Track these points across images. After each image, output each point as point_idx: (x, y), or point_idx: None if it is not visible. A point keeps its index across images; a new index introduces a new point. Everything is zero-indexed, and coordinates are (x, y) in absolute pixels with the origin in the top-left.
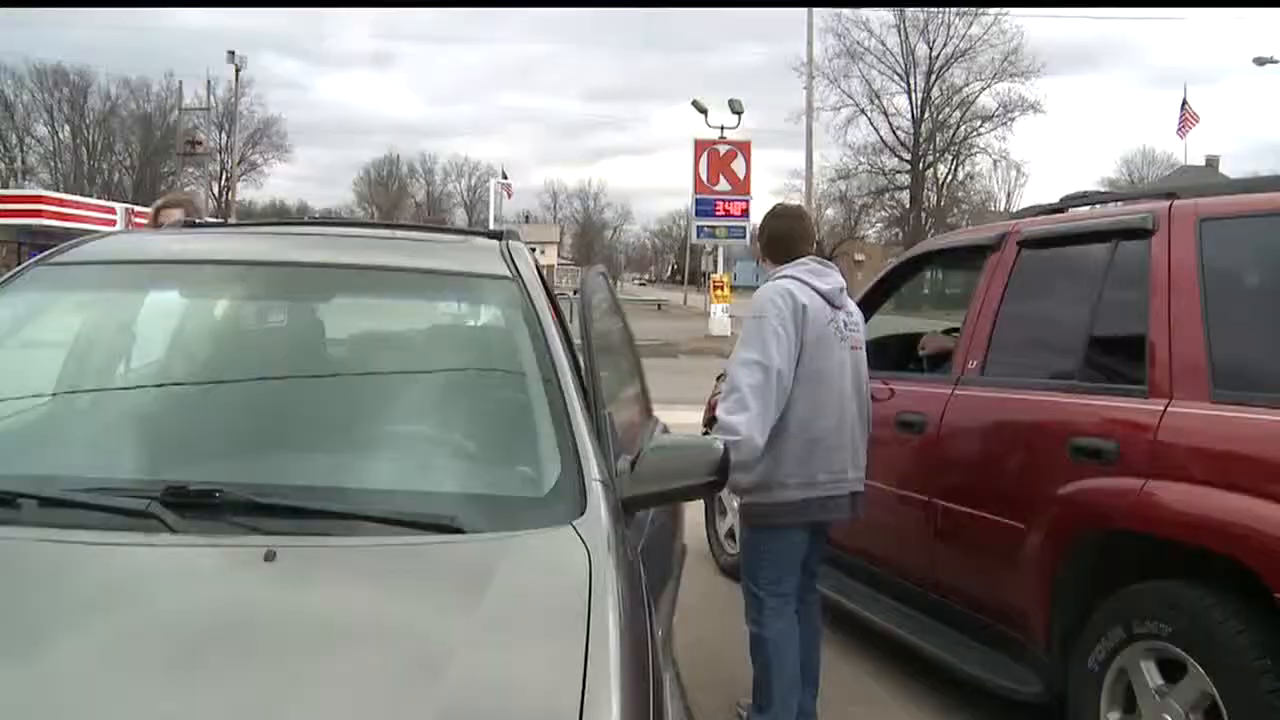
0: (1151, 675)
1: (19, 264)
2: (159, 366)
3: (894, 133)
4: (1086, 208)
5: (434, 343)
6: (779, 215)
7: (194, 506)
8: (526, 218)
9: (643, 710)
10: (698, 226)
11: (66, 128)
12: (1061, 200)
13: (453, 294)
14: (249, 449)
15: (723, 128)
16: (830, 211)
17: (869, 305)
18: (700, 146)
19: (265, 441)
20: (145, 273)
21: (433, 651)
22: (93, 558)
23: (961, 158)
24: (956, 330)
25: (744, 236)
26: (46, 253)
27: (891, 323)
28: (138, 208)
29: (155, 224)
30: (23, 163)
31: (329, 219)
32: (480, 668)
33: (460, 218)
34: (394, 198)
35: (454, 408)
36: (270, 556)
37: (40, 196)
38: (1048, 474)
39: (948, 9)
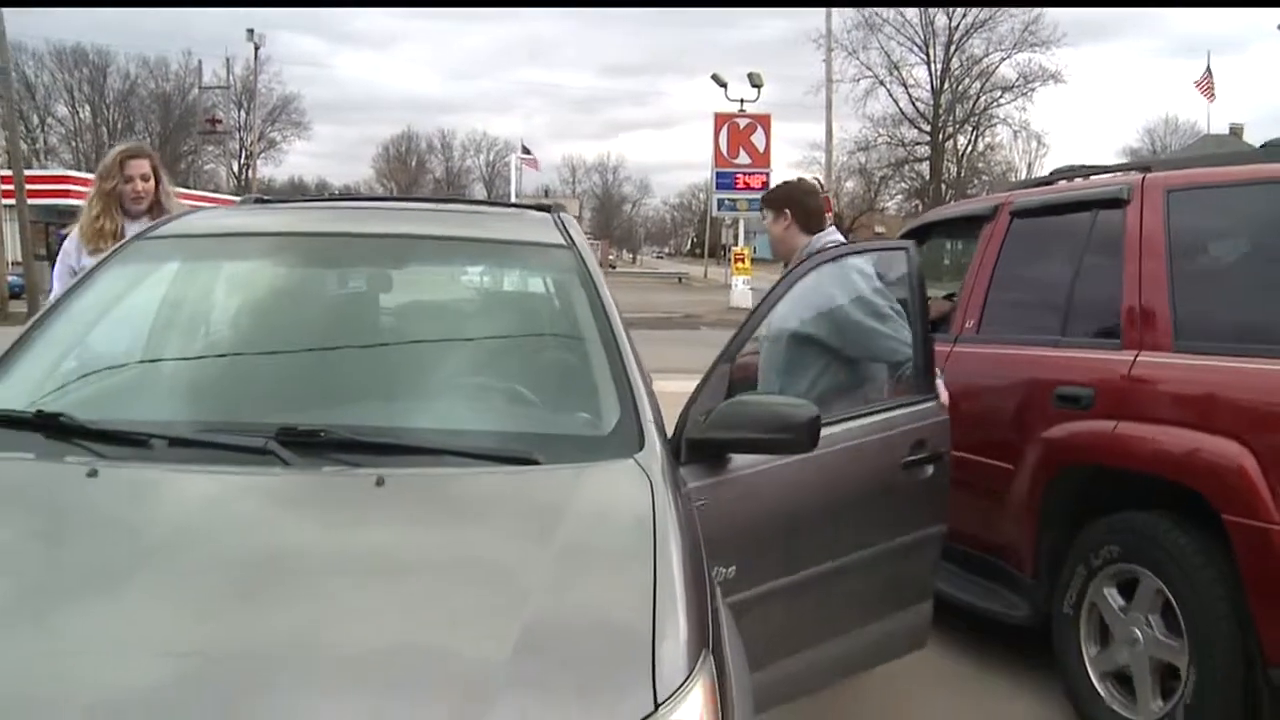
0: (1114, 599)
1: (47, 244)
2: (260, 326)
3: (913, 104)
4: (1073, 180)
5: (502, 304)
6: (811, 192)
7: (303, 445)
8: (546, 192)
9: (704, 629)
10: (718, 199)
11: (87, 108)
12: (1051, 173)
13: (517, 261)
14: (346, 397)
15: (742, 101)
16: (850, 184)
17: None
18: (720, 120)
19: (360, 391)
20: (238, 244)
21: (518, 566)
22: (221, 486)
23: (981, 129)
24: (955, 296)
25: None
26: (146, 228)
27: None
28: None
29: (121, 173)
30: (44, 143)
31: (357, 195)
32: (560, 583)
33: (479, 193)
34: (413, 174)
35: (523, 360)
36: (380, 482)
37: (67, 177)
38: (1034, 420)
39: None
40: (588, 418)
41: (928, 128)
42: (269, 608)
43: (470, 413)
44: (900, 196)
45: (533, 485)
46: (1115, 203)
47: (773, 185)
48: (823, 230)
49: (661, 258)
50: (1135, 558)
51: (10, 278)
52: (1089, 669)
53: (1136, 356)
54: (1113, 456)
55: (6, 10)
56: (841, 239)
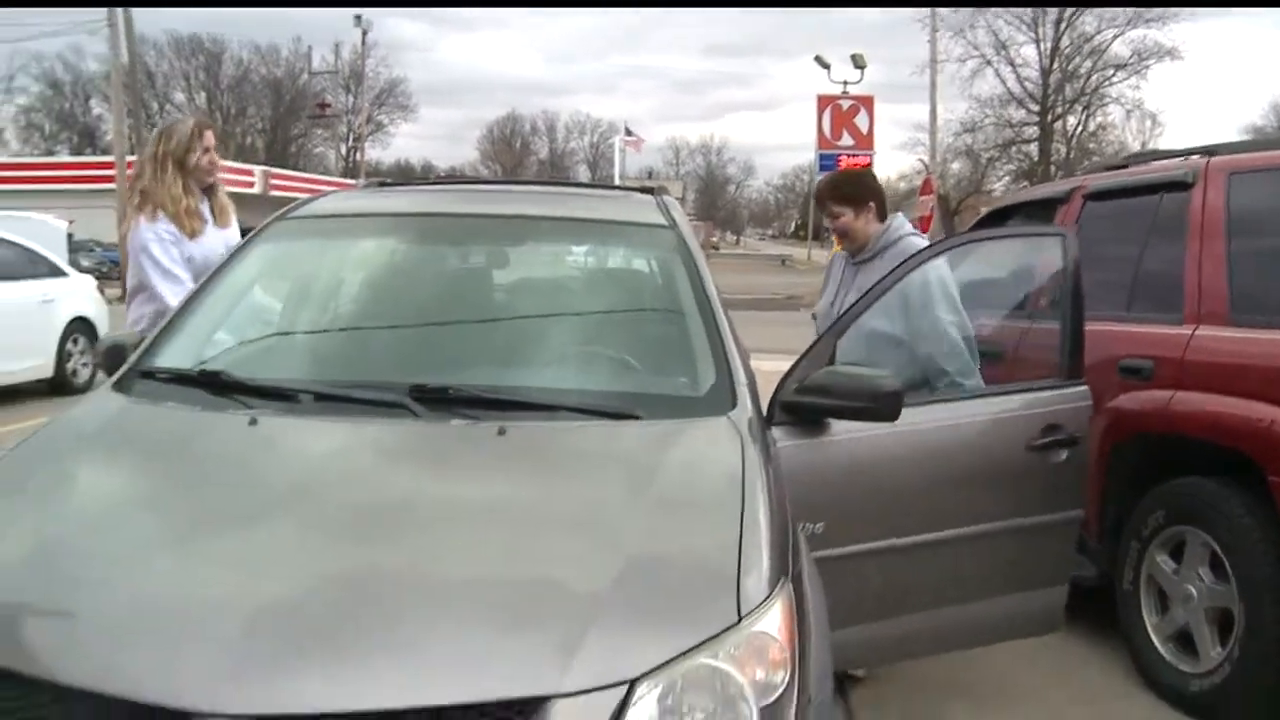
0: (1166, 564)
1: None
2: (389, 298)
3: (1021, 84)
4: (1146, 164)
5: (608, 279)
6: (876, 179)
7: (433, 401)
8: (650, 174)
9: (784, 573)
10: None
11: (202, 94)
12: (1125, 158)
13: (623, 240)
14: (469, 361)
15: (845, 83)
16: (955, 165)
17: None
18: (823, 102)
19: (481, 355)
20: (368, 224)
21: (620, 508)
22: (364, 434)
23: (1092, 108)
24: None
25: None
26: (285, 208)
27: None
28: (273, 170)
29: (200, 141)
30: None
31: (471, 178)
32: (657, 523)
33: (583, 174)
34: (517, 156)
35: (627, 329)
36: (501, 432)
37: None
38: (1100, 391)
39: None
40: (685, 380)
41: (1036, 108)
42: (401, 536)
43: (579, 375)
44: (1008, 178)
45: (635, 437)
46: (1181, 185)
47: (831, 179)
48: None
49: (765, 240)
50: (1182, 519)
51: None
52: (1152, 636)
53: (1195, 330)
54: (1168, 424)
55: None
56: (910, 225)
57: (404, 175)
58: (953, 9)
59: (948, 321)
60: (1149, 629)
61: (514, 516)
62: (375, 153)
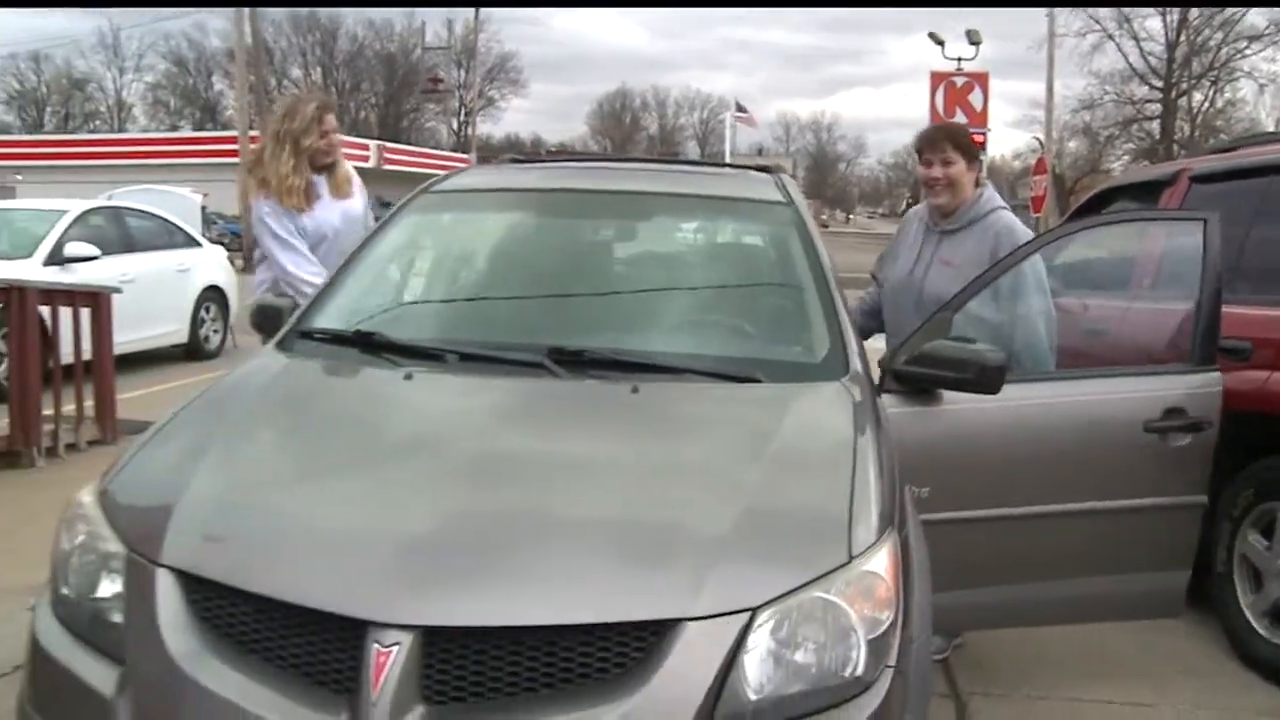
0: (1259, 542)
1: None
2: (526, 267)
3: (1144, 58)
4: (1254, 148)
5: (730, 252)
6: None
7: (570, 362)
8: (760, 151)
9: (891, 523)
10: None
11: (318, 69)
12: (1233, 141)
13: (743, 216)
14: (601, 327)
15: (960, 59)
16: (1073, 144)
17: None
18: (936, 79)
19: (612, 322)
20: (506, 198)
21: (741, 461)
22: (508, 389)
23: (1221, 83)
24: None
25: (981, 170)
26: (428, 182)
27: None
28: (387, 144)
29: (319, 127)
30: None
31: (599, 155)
32: (775, 476)
33: (692, 150)
34: (626, 131)
35: (748, 300)
36: (635, 390)
37: None
38: None
39: None
40: (801, 348)
41: (1160, 83)
42: (546, 478)
43: (703, 341)
44: (1127, 157)
45: (756, 398)
46: None
47: (948, 125)
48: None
49: (874, 218)
50: (1272, 495)
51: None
52: (1247, 614)
53: None
54: (1265, 403)
55: None
56: (999, 198)
57: (514, 150)
58: None
59: (1037, 311)
60: (1244, 607)
61: (647, 465)
62: (486, 127)
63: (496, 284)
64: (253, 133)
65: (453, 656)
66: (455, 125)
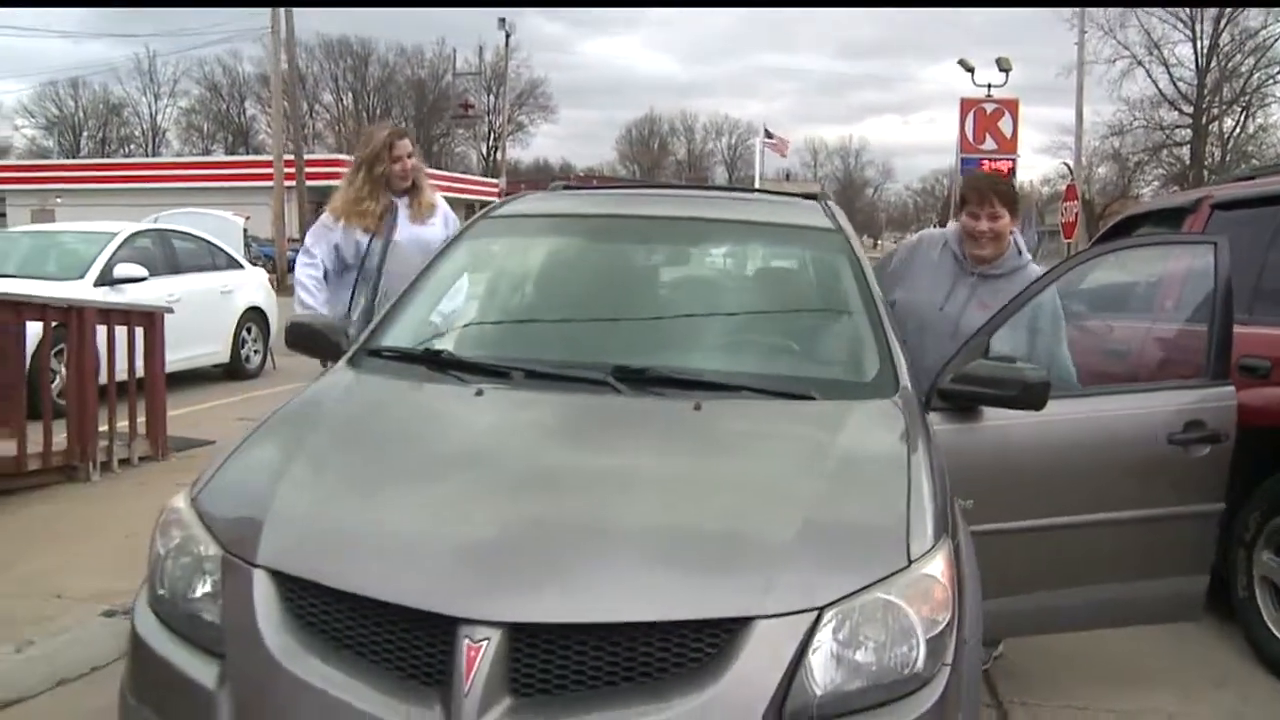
0: (1274, 561)
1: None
2: (584, 289)
3: (1174, 84)
4: (1273, 178)
5: (781, 276)
6: None
7: (633, 380)
8: (788, 175)
9: (945, 531)
10: None
11: (349, 95)
12: (1254, 170)
13: (794, 242)
14: (660, 347)
15: (989, 86)
16: (1102, 169)
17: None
18: (966, 105)
19: (669, 342)
20: (565, 222)
21: (800, 474)
22: (575, 405)
23: (1253, 109)
24: None
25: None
26: (487, 208)
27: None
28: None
29: (390, 154)
30: (312, 128)
31: (648, 182)
32: (833, 488)
33: (721, 175)
34: (655, 156)
35: (801, 323)
36: (698, 406)
37: (338, 160)
38: None
39: None
40: (853, 368)
41: (1190, 109)
42: (613, 487)
43: (759, 361)
44: (1156, 183)
45: (812, 415)
46: None
47: (994, 179)
48: None
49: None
50: None
51: (289, 253)
52: (1274, 631)
53: None
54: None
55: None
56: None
57: (543, 175)
58: (1103, 10)
59: (1060, 334)
60: (1270, 626)
61: (713, 475)
62: (515, 152)
63: (558, 305)
64: (287, 156)
65: (538, 651)
66: (485, 150)
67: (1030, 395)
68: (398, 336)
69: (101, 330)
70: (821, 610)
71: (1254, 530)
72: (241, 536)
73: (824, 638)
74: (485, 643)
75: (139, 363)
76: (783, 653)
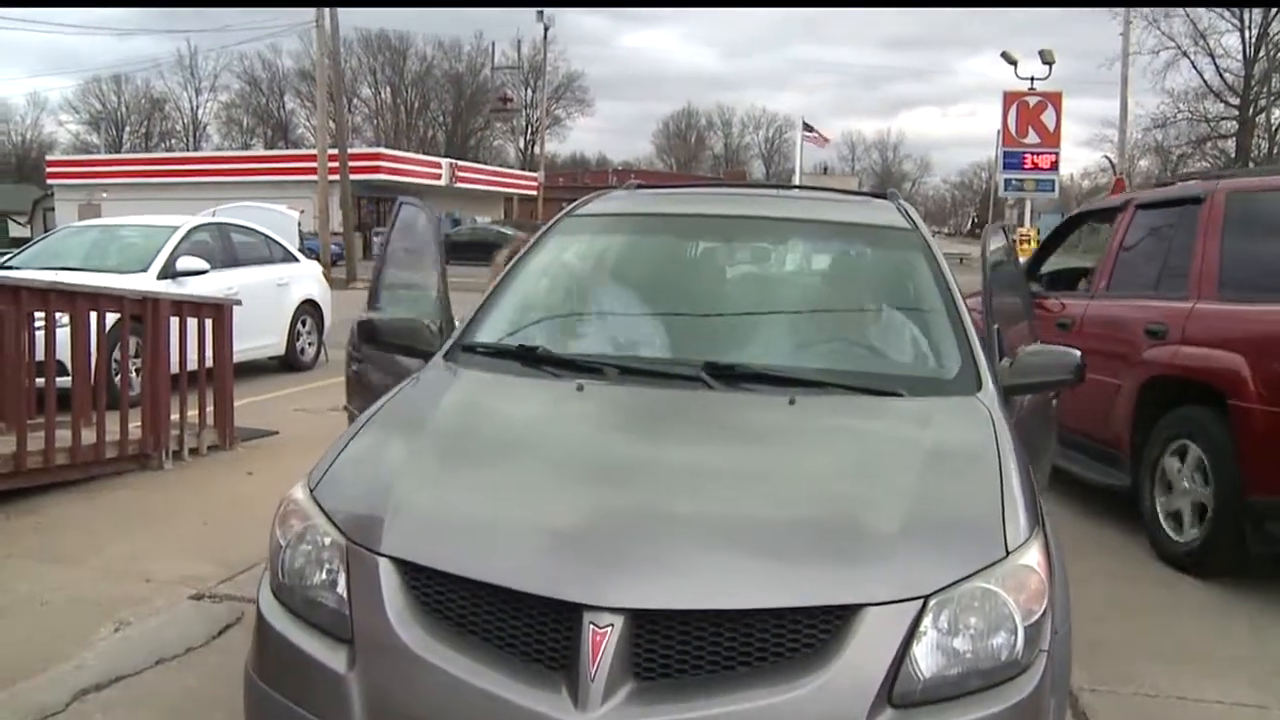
0: (1174, 464)
1: (359, 216)
2: (669, 287)
3: (1220, 75)
4: (1185, 184)
5: (862, 275)
6: None
7: (724, 376)
8: (825, 169)
9: (1037, 523)
10: (1005, 179)
11: (387, 89)
12: (1174, 177)
13: (872, 240)
14: (750, 343)
15: (1032, 79)
16: (1144, 163)
17: (1046, 250)
18: (1009, 98)
19: (759, 339)
20: (649, 221)
21: (897, 468)
22: (671, 399)
23: None
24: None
25: (1052, 190)
26: (570, 206)
27: (1061, 261)
28: (458, 162)
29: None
30: (351, 122)
31: (720, 180)
32: (929, 481)
33: (758, 169)
34: (692, 150)
35: (882, 321)
36: (792, 401)
37: (380, 154)
38: (1134, 348)
39: None
40: (936, 365)
41: (1236, 101)
42: (723, 480)
43: (844, 358)
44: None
45: (902, 411)
46: (1198, 200)
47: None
48: None
49: (939, 237)
50: (1186, 435)
51: (332, 247)
52: (1158, 511)
53: (1194, 304)
54: (1174, 369)
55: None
56: None
57: (579, 169)
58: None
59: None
60: (1157, 506)
61: (814, 468)
62: (552, 146)
63: (644, 303)
64: (331, 150)
65: (659, 636)
66: (522, 144)
67: (1078, 375)
68: (490, 332)
69: (173, 322)
70: (926, 599)
71: (1164, 440)
72: (364, 526)
73: (928, 625)
74: (610, 628)
75: (208, 353)
76: (891, 639)
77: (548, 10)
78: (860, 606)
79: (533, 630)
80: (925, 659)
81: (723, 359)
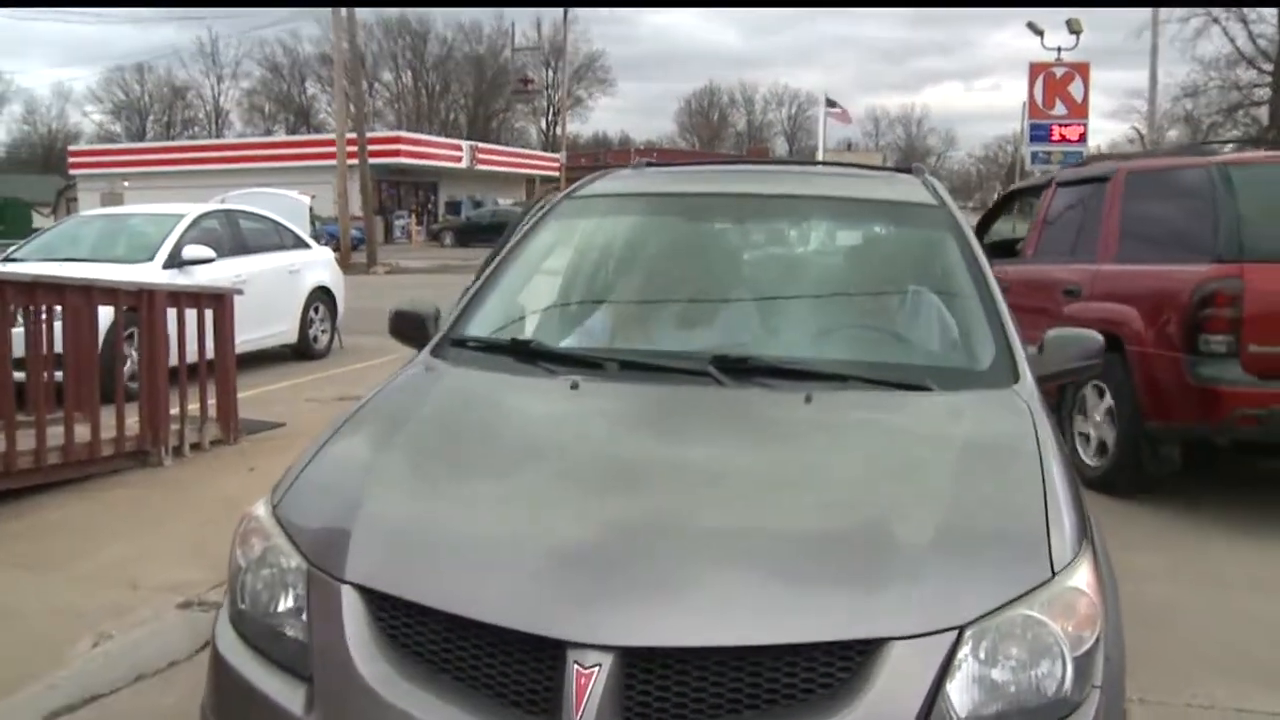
0: (1091, 398)
1: (380, 200)
2: (676, 272)
3: (1253, 41)
4: (1096, 164)
5: (887, 256)
6: None
7: (734, 370)
8: (849, 145)
9: (1084, 525)
10: (1031, 152)
11: (409, 72)
12: (1087, 158)
13: (897, 219)
14: (763, 333)
15: (1059, 49)
16: (1172, 133)
17: (987, 223)
18: (1036, 70)
19: (774, 328)
20: (655, 201)
21: (930, 470)
22: (677, 398)
23: None
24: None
25: (1080, 162)
26: (571, 187)
27: (1001, 231)
28: (479, 145)
29: None
30: (372, 107)
31: (732, 157)
32: (966, 486)
33: (781, 147)
34: (714, 128)
35: (909, 305)
36: (809, 399)
37: (399, 137)
38: (1055, 305)
39: None
40: (968, 355)
41: (1269, 67)
42: (728, 492)
43: (867, 348)
44: (1232, 146)
45: (932, 408)
46: (1105, 179)
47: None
48: None
49: (964, 210)
50: (1098, 378)
51: (352, 231)
52: (1075, 432)
53: (1100, 267)
54: (1084, 322)
55: None
56: None
57: (602, 149)
58: None
59: None
60: (1074, 427)
61: (835, 476)
62: (574, 126)
63: (650, 290)
64: (351, 134)
65: (653, 677)
66: (544, 125)
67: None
68: (482, 325)
69: (171, 313)
70: (962, 629)
71: (1071, 404)
72: (328, 549)
73: (965, 658)
74: (597, 669)
75: (209, 345)
76: (921, 677)
77: None
78: (886, 640)
79: (511, 669)
80: (960, 697)
81: (733, 351)
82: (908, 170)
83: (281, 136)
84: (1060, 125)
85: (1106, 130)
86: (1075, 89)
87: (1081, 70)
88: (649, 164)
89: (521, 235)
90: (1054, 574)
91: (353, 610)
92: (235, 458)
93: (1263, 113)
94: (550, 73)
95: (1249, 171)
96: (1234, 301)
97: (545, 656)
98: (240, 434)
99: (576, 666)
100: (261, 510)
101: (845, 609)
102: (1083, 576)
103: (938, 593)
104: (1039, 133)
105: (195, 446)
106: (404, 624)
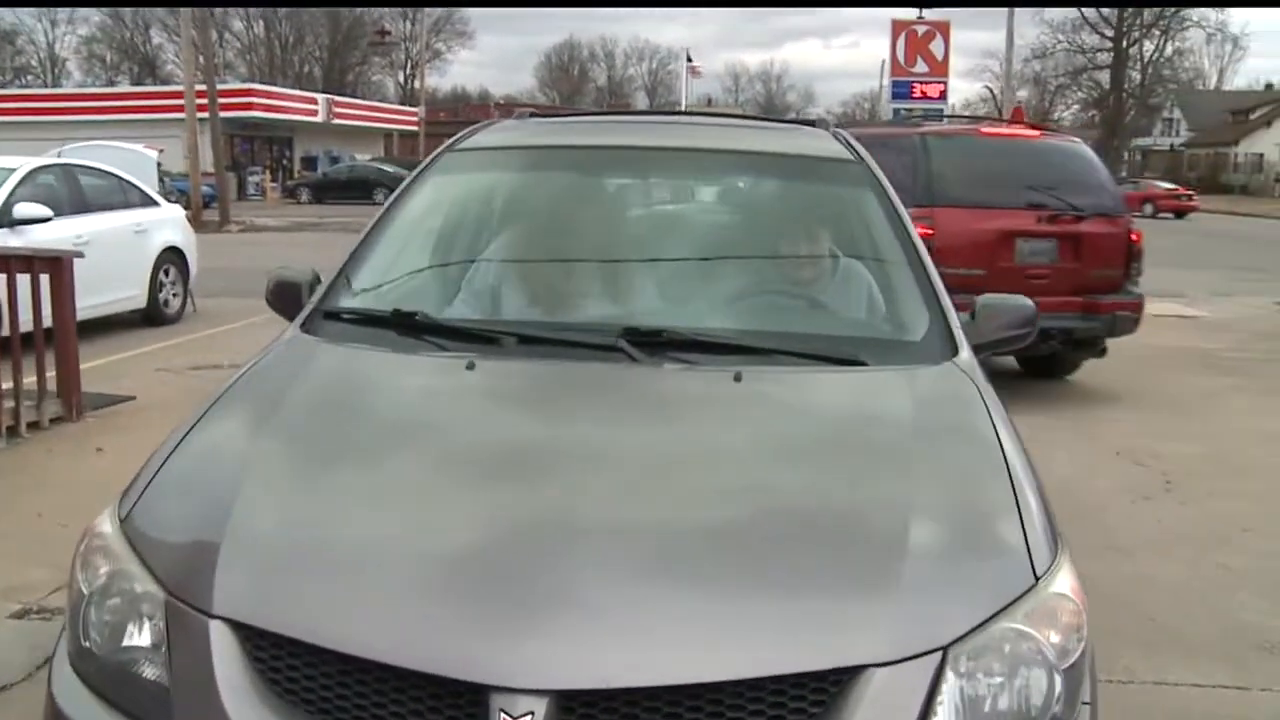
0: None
1: (233, 155)
2: (571, 235)
3: (1096, 8)
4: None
5: (805, 216)
6: None
7: (647, 344)
8: (709, 101)
9: (1045, 502)
10: (893, 109)
11: (260, 23)
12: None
13: (811, 175)
14: (673, 301)
15: (921, 6)
16: (1022, 93)
17: None
18: (898, 27)
19: (684, 296)
20: (545, 155)
21: (884, 463)
22: (586, 377)
23: (1172, 32)
24: None
25: (941, 119)
26: (453, 139)
27: None
28: (335, 98)
29: None
30: (222, 58)
31: (628, 109)
32: (925, 481)
33: (641, 101)
34: (575, 83)
35: (833, 271)
36: (738, 378)
37: (251, 89)
38: None
39: None
40: (899, 325)
41: (1111, 33)
42: (669, 497)
43: (789, 318)
44: (1076, 107)
45: (872, 386)
46: (911, 139)
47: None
48: None
49: None
50: None
51: (203, 188)
52: None
53: (910, 210)
54: None
55: None
56: None
57: (460, 103)
58: None
59: None
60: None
61: (782, 476)
62: (433, 80)
63: (546, 254)
64: (200, 87)
65: None
66: (402, 78)
67: (1032, 326)
68: (359, 294)
69: (0, 279)
70: (946, 650)
71: None
72: (189, 574)
73: (951, 681)
74: (528, 717)
75: (45, 313)
76: (905, 705)
77: None
78: (862, 668)
79: (423, 718)
80: None
81: (645, 323)
82: (812, 123)
83: (126, 88)
84: (921, 83)
85: (960, 90)
86: (936, 47)
87: (942, 29)
88: (533, 114)
89: (399, 193)
90: (1037, 580)
91: (224, 648)
92: (80, 437)
93: (1105, 77)
94: (408, 25)
95: (941, 141)
96: (929, 237)
97: (464, 703)
98: (85, 410)
99: (504, 715)
100: (107, 525)
101: (812, 634)
102: (1065, 580)
103: (916, 610)
104: (900, 90)
105: (33, 425)
106: (287, 665)
